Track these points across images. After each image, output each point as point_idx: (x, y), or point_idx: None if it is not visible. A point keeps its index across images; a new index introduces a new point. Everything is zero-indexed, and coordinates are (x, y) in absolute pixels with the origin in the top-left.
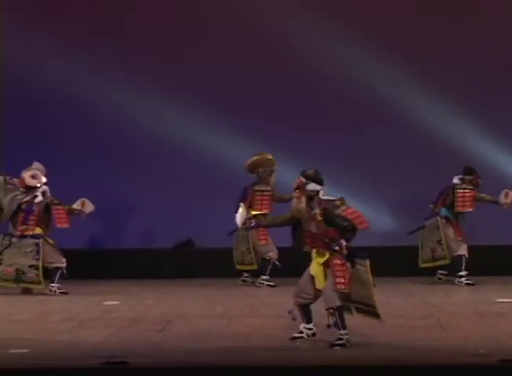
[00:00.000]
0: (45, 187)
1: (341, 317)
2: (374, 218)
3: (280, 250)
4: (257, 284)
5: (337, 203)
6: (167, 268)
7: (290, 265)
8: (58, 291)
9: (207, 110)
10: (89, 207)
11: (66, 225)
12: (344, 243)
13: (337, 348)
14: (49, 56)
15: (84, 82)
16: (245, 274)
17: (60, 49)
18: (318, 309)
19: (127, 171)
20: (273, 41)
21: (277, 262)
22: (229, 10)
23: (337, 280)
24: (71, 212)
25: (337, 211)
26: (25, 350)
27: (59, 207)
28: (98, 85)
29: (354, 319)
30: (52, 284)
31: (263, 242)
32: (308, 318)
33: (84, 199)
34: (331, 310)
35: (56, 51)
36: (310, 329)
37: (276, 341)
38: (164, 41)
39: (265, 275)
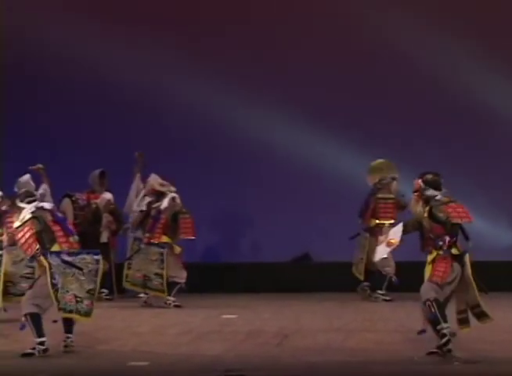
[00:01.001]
0: (174, 195)
1: (440, 309)
2: (493, 232)
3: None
4: (373, 299)
5: (444, 199)
6: (285, 282)
7: (406, 280)
8: (173, 303)
9: (320, 121)
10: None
11: (191, 236)
12: (447, 238)
13: (447, 348)
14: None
15: (204, 93)
16: (365, 283)
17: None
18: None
19: (244, 185)
20: (388, 50)
21: (394, 277)
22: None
23: (435, 272)
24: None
25: (441, 207)
26: (144, 363)
27: (187, 216)
28: (222, 104)
29: (472, 334)
30: (169, 297)
31: None
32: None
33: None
34: (428, 302)
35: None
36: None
37: (395, 355)
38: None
39: (381, 289)
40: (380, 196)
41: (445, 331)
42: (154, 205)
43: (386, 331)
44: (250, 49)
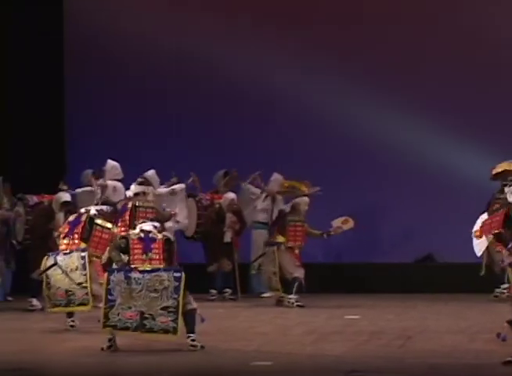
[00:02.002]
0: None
1: None
2: None
3: None
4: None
5: None
6: (408, 282)
7: None
8: (296, 303)
9: (444, 120)
10: (350, 225)
11: (298, 243)
12: None
13: None
14: None
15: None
16: (497, 290)
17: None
18: None
19: (363, 187)
20: None
21: None
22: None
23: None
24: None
25: None
26: (268, 363)
27: (299, 223)
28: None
29: None
30: (290, 296)
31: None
32: None
33: (349, 218)
34: None
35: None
36: None
37: None
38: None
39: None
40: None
41: None
42: (282, 207)
43: None
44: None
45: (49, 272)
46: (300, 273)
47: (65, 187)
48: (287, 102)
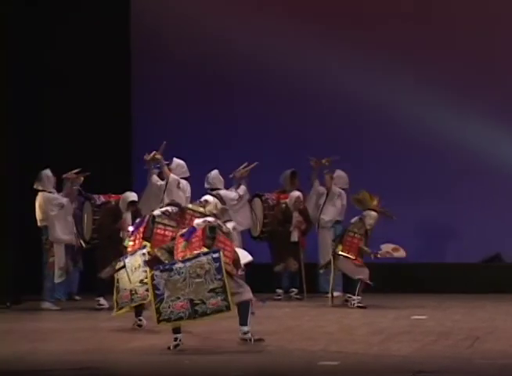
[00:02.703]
0: None
1: None
2: None
3: None
4: None
5: None
6: (476, 282)
7: None
8: (357, 304)
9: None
10: (400, 254)
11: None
12: None
13: None
14: None
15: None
16: None
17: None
18: None
19: (431, 187)
20: None
21: None
22: None
23: None
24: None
25: None
26: (335, 362)
27: (356, 236)
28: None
29: None
30: (353, 297)
31: None
32: None
33: (400, 248)
34: None
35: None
36: None
37: None
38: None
39: None
40: None
41: None
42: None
43: None
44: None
45: (119, 275)
46: (363, 274)
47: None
48: (355, 104)
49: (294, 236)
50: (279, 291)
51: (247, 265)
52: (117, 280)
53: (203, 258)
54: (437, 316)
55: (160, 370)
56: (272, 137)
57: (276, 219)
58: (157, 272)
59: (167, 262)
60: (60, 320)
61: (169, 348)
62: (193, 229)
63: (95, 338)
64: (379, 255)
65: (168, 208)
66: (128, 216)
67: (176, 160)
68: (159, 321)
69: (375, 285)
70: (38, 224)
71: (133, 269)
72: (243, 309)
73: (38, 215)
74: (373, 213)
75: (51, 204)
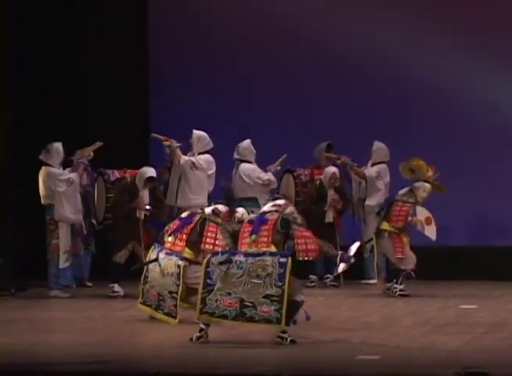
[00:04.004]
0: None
1: None
2: None
3: None
4: None
5: None
6: None
7: None
8: (399, 292)
9: None
10: (431, 230)
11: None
12: None
13: None
14: None
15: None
16: None
17: None
18: None
19: (489, 168)
20: None
21: None
22: None
23: None
24: None
25: None
26: (375, 356)
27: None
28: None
29: None
30: (396, 285)
31: None
32: None
33: (433, 220)
34: None
35: None
36: None
37: None
38: None
39: None
40: None
41: None
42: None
43: None
44: None
45: (150, 266)
46: (407, 265)
47: None
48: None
49: (329, 217)
50: (313, 277)
51: None
52: (147, 269)
53: (269, 259)
54: (488, 306)
55: (181, 364)
56: (308, 108)
57: (309, 197)
58: (214, 260)
59: (227, 248)
60: (70, 309)
61: (191, 339)
62: (263, 219)
63: (108, 329)
64: (411, 221)
65: (219, 207)
66: (145, 194)
67: (196, 133)
68: (201, 312)
69: (414, 277)
70: (42, 202)
71: (165, 272)
72: (292, 309)
73: (42, 191)
74: (427, 185)
75: (58, 180)
